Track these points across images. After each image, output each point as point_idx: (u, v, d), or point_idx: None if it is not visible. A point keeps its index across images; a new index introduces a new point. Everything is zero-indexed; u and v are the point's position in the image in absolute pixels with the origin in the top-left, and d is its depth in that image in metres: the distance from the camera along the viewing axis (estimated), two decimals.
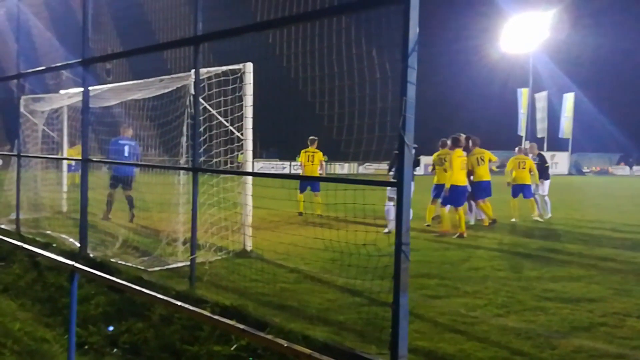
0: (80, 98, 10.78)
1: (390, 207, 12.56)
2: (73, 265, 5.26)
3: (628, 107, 70.97)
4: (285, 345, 3.71)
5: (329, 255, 8.50)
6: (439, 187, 15.01)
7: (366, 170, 56.71)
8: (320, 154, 18.32)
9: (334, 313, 7.16)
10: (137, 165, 11.34)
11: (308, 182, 17.39)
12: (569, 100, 65.76)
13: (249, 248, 10.65)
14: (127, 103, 12.00)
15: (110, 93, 11.82)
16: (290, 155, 53.41)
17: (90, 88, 10.39)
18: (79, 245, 10.34)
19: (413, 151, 5.21)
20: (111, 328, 6.80)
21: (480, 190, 15.65)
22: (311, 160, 18.20)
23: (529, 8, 61.00)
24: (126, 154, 14.19)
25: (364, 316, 6.59)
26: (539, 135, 65.21)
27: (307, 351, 3.61)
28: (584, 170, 68.23)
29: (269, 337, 4.01)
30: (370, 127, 5.81)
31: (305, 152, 18.34)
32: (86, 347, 6.39)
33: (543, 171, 18.01)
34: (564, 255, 11.47)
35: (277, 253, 9.76)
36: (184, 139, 10.13)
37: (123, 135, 14.56)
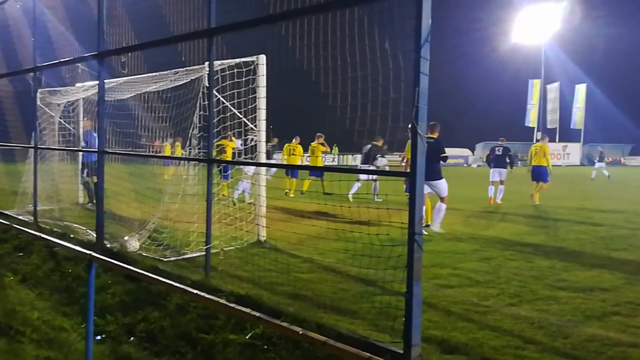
0: (95, 91, 10.89)
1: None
2: (90, 254, 5.32)
3: None
4: (301, 332, 3.76)
5: (342, 245, 8.55)
6: None
7: (378, 161, 56.73)
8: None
9: (347, 302, 7.22)
10: (152, 157, 11.41)
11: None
12: (581, 91, 65.50)
13: (262, 238, 10.72)
14: (142, 95, 12.07)
15: (125, 85, 11.91)
16: (303, 146, 53.45)
17: (105, 81, 10.48)
18: (95, 235, 10.46)
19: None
20: None
21: None
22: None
23: None
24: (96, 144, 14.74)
25: (377, 305, 6.61)
26: (550, 127, 65.09)
27: (322, 338, 3.67)
28: (595, 161, 67.86)
29: (284, 324, 4.07)
30: (383, 118, 5.84)
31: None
32: (103, 335, 6.48)
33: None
34: (576, 245, 11.47)
35: (290, 243, 9.82)
36: (194, 130, 10.20)
37: (89, 129, 15.26)
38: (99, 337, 6.03)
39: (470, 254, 10.47)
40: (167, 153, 16.65)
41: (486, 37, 70.68)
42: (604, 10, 68.70)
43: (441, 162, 13.06)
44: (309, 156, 22.54)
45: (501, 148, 20.89)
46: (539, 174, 19.69)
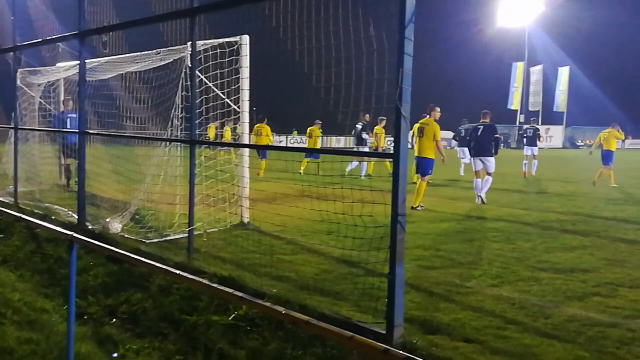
0: (76, 70, 10.76)
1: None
2: (72, 235, 5.24)
3: (622, 80, 70.97)
4: (283, 312, 3.74)
5: (326, 227, 8.53)
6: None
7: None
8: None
9: (330, 284, 7.24)
10: (134, 137, 11.29)
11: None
12: (563, 74, 65.75)
13: (246, 220, 10.71)
14: (124, 75, 11.93)
15: (106, 66, 11.77)
16: (286, 128, 53.29)
17: (86, 61, 10.35)
18: (77, 217, 10.38)
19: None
20: None
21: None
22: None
23: None
24: (69, 125, 14.77)
25: (360, 286, 6.62)
26: (533, 109, 65.36)
27: (305, 318, 3.64)
28: (578, 144, 68.32)
29: (267, 304, 4.05)
30: (367, 99, 5.81)
31: None
32: (85, 317, 6.43)
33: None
34: (557, 227, 11.56)
35: (274, 225, 9.78)
36: (175, 111, 10.12)
37: (66, 109, 15.27)
38: (115, 355, 5.92)
39: (453, 236, 10.54)
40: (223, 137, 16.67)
41: (470, 20, 70.67)
42: None
43: (493, 142, 15.52)
44: (373, 136, 21.46)
45: (532, 130, 25.63)
46: (608, 157, 21.73)
